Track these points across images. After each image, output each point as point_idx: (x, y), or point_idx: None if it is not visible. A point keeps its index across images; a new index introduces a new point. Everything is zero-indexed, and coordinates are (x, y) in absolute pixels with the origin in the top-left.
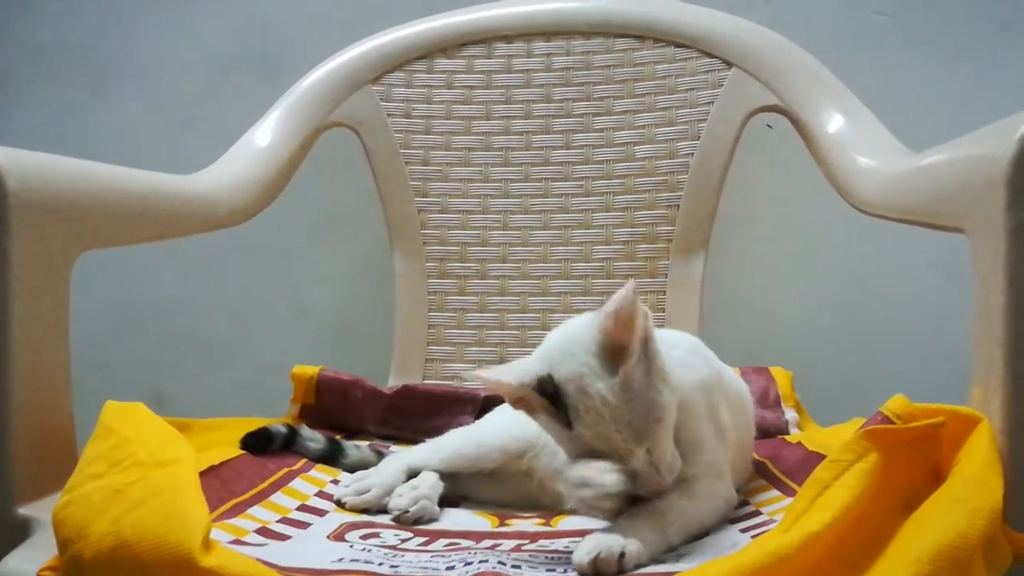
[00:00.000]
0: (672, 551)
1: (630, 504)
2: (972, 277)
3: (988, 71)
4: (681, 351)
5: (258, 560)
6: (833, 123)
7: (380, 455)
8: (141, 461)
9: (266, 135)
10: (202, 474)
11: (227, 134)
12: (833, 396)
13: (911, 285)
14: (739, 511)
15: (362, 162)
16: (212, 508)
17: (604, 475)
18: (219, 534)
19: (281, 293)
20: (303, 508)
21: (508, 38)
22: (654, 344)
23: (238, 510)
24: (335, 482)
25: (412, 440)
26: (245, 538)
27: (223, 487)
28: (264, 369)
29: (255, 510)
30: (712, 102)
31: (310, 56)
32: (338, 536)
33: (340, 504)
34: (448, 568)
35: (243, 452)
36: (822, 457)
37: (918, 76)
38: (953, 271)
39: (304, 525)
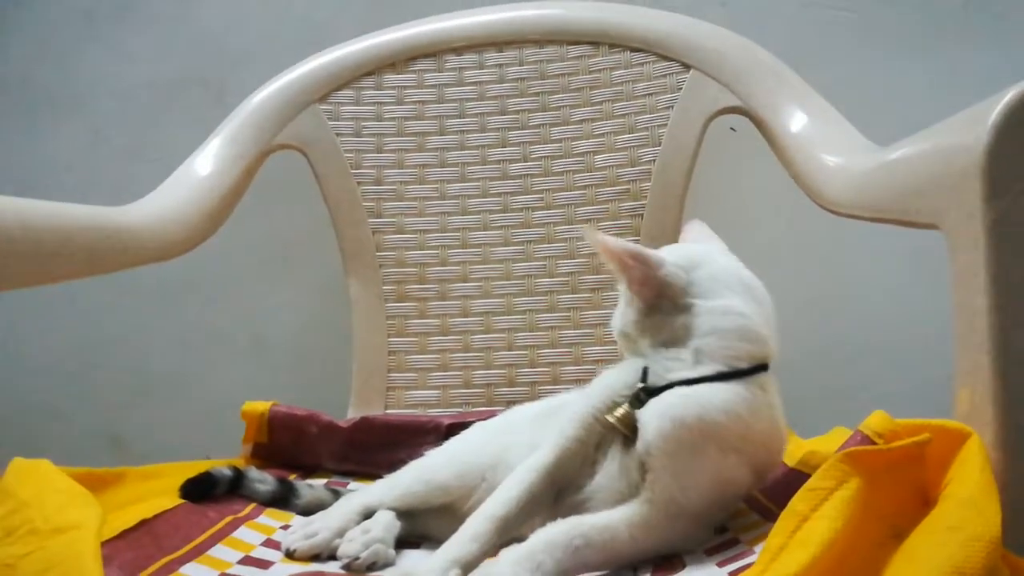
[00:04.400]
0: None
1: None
2: (950, 277)
3: (951, 65)
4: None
5: None
6: (796, 122)
7: (337, 494)
8: (37, 528)
9: (207, 162)
10: (131, 531)
11: (176, 163)
12: (811, 406)
13: (887, 287)
14: (717, 539)
15: (314, 185)
16: (139, 569)
17: None
18: None
19: (238, 326)
20: (246, 561)
21: (458, 50)
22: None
23: (169, 569)
24: (286, 527)
25: (374, 476)
26: None
27: (154, 544)
28: (225, 406)
29: (189, 568)
30: (672, 106)
31: (260, 78)
32: None
33: (289, 554)
34: None
35: (182, 501)
36: (803, 475)
37: (881, 73)
38: (930, 270)
39: None
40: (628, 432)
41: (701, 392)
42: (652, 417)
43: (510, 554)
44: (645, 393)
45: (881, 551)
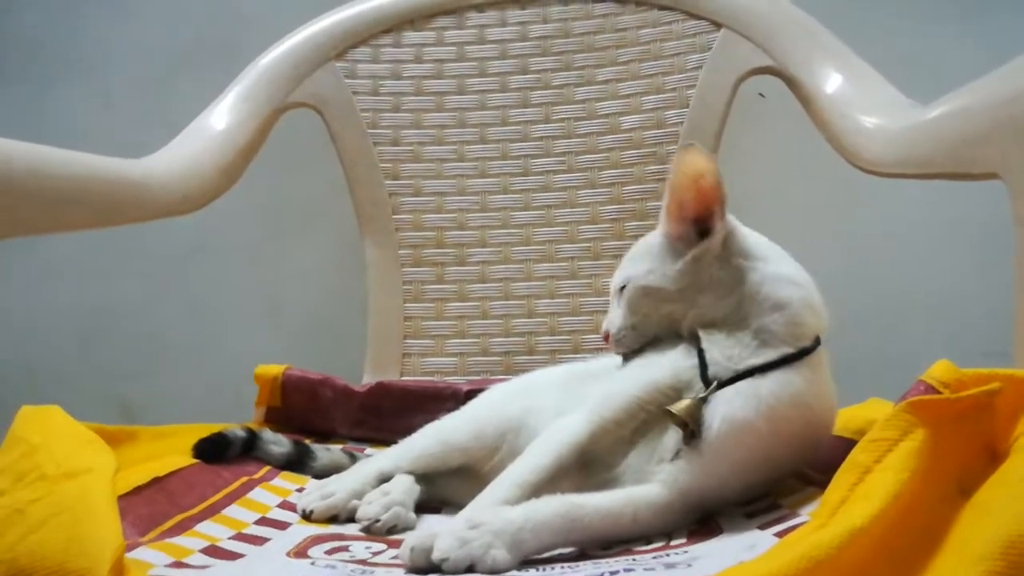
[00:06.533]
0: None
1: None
2: (1013, 223)
3: (990, 23)
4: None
5: None
6: (831, 82)
7: (353, 458)
8: (47, 474)
9: (222, 117)
10: (145, 487)
11: (187, 127)
12: (846, 377)
13: (922, 254)
14: (755, 504)
15: (330, 148)
16: (154, 525)
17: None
18: (156, 556)
19: (251, 291)
20: (262, 521)
21: (480, 7)
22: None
23: (184, 527)
24: (301, 490)
25: (389, 442)
26: (188, 559)
27: (168, 501)
28: (237, 372)
29: (204, 526)
30: (701, 66)
31: (272, 39)
32: (300, 552)
33: (306, 516)
34: None
35: (196, 461)
36: (844, 440)
37: (918, 32)
38: (966, 233)
39: (261, 541)
40: (693, 425)
41: (771, 387)
42: (716, 417)
43: (496, 519)
44: (716, 386)
45: (948, 507)
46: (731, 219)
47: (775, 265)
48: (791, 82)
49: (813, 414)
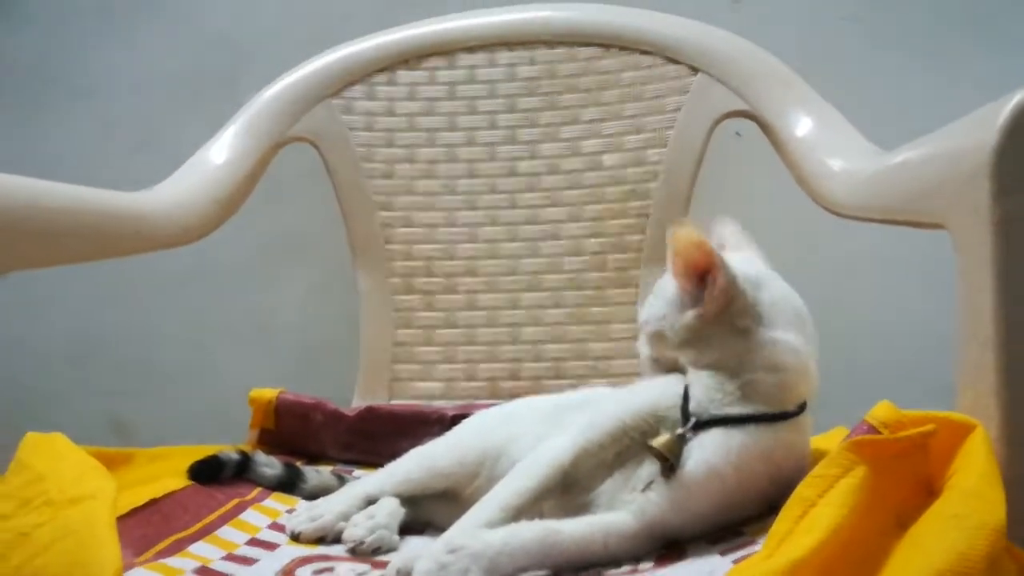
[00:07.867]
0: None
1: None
2: (956, 274)
3: (955, 73)
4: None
5: None
6: (802, 127)
7: (343, 480)
8: (52, 499)
9: (221, 151)
10: (140, 509)
11: (186, 155)
12: (812, 407)
13: (888, 291)
14: (720, 531)
15: (323, 178)
16: (148, 546)
17: None
18: None
19: (243, 316)
20: (252, 542)
21: (471, 48)
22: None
23: (178, 547)
24: (291, 511)
25: (378, 464)
26: None
27: (163, 522)
28: (229, 394)
29: (197, 547)
30: (679, 108)
31: (269, 73)
32: (288, 573)
33: (295, 537)
34: None
35: (190, 483)
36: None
37: (886, 80)
38: (931, 274)
39: (251, 562)
40: (672, 459)
41: (741, 440)
42: (690, 459)
43: (475, 543)
44: (693, 427)
45: (886, 539)
46: (746, 278)
47: (778, 331)
48: (764, 126)
49: (780, 473)
